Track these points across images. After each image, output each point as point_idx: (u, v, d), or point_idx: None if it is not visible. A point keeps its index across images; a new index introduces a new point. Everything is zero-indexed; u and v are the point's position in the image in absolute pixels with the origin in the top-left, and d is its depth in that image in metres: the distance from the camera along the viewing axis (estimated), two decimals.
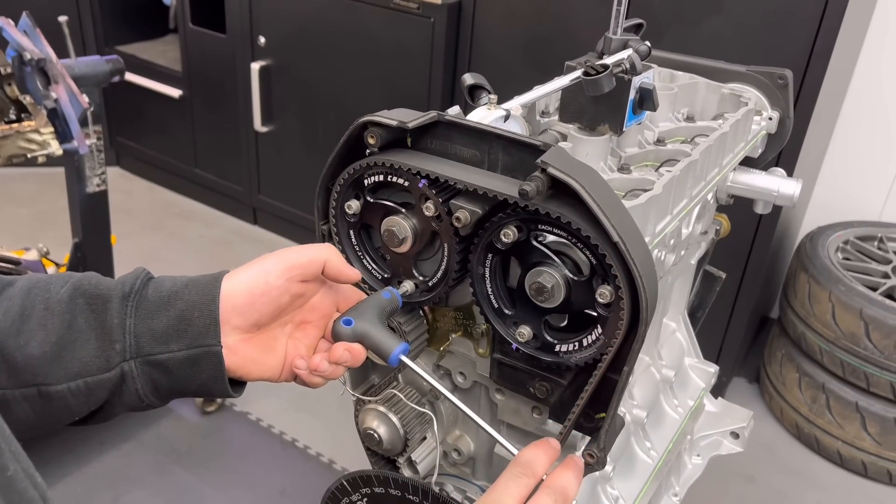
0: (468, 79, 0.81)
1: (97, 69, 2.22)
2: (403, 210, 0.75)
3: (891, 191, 2.59)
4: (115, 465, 2.21)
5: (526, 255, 0.70)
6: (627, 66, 0.81)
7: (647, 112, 0.89)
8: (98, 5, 3.36)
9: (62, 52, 2.17)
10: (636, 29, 0.93)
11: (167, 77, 3.31)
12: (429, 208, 0.72)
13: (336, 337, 0.69)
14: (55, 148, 2.07)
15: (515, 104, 0.80)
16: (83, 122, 2.16)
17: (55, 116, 2.10)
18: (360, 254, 0.80)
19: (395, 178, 0.74)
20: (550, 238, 0.69)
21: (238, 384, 0.70)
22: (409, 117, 0.71)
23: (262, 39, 2.93)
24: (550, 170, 0.63)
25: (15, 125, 2.00)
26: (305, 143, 3.00)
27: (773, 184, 1.07)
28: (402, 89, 2.68)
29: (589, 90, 0.81)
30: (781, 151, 2.07)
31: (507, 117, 0.77)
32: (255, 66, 2.94)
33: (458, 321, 0.82)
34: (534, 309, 0.72)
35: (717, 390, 2.55)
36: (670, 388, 1.14)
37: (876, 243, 2.43)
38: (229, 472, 2.24)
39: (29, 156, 2.05)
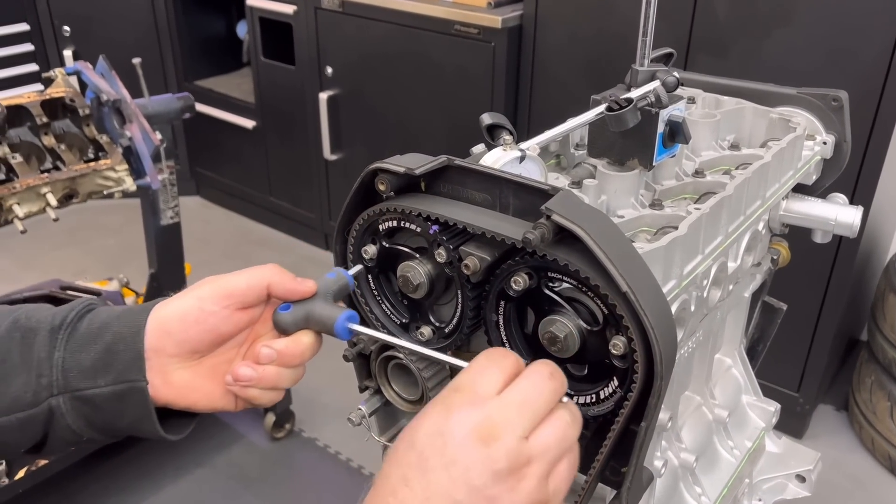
0: (486, 118, 0.79)
1: (169, 107, 2.31)
2: (418, 256, 0.74)
3: None
4: (189, 489, 2.27)
5: (539, 303, 0.68)
6: (653, 98, 0.77)
7: (683, 143, 0.85)
8: (178, 43, 3.52)
9: (137, 92, 2.28)
10: (666, 59, 0.89)
11: (241, 109, 3.42)
12: (440, 254, 0.71)
13: (278, 329, 0.66)
14: (129, 184, 2.16)
15: (532, 144, 0.77)
16: (156, 158, 2.26)
17: (130, 154, 2.19)
18: (378, 298, 0.79)
19: (407, 224, 0.72)
20: (564, 285, 0.66)
21: (184, 418, 0.68)
22: (418, 163, 0.70)
23: (329, 70, 2.99)
24: (555, 217, 0.61)
25: (92, 164, 2.10)
26: None
27: (830, 212, 1.01)
28: (464, 114, 2.68)
29: (613, 125, 0.78)
30: (860, 173, 1.96)
31: (522, 158, 0.75)
32: (324, 96, 3.00)
33: None
34: (550, 358, 0.69)
35: (800, 419, 2.42)
36: (724, 428, 1.08)
37: None
38: (298, 499, 2.27)
39: (105, 192, 2.14)
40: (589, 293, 0.63)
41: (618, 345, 0.62)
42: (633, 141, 0.82)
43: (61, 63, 3.51)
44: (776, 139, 0.97)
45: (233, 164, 3.64)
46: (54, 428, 0.62)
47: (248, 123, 3.41)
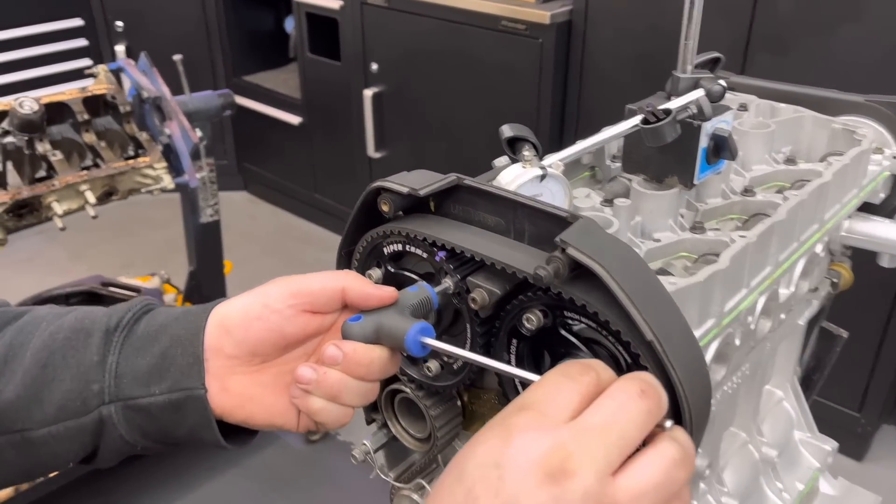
0: (506, 131, 0.71)
1: (209, 104, 2.29)
2: (425, 283, 0.67)
3: None
4: (222, 490, 2.25)
5: (555, 344, 0.60)
6: (695, 109, 0.69)
7: (730, 160, 0.76)
8: (227, 38, 3.51)
9: (178, 89, 2.27)
10: (712, 65, 0.80)
11: (288, 105, 3.40)
12: (447, 284, 0.63)
13: (346, 338, 0.58)
14: (167, 182, 2.14)
15: (555, 160, 0.69)
16: (195, 156, 2.23)
17: (169, 151, 2.18)
18: None
19: (412, 248, 0.65)
20: (583, 325, 0.58)
21: (245, 432, 0.61)
22: (424, 182, 0.63)
23: (374, 66, 2.94)
24: (570, 250, 0.53)
25: (131, 161, 2.09)
26: (416, 167, 2.97)
27: None
28: (510, 112, 2.60)
29: (649, 140, 0.70)
30: None
31: (543, 176, 0.67)
32: (368, 93, 2.95)
33: (494, 405, 0.72)
34: None
35: (862, 441, 2.27)
36: (773, 469, 0.98)
37: None
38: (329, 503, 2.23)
39: (143, 190, 2.13)
40: (610, 337, 0.55)
41: None
42: (673, 156, 0.73)
43: (113, 58, 3.54)
44: (838, 153, 0.86)
45: (279, 160, 3.63)
46: (106, 438, 0.57)
47: (294, 119, 3.38)
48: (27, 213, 1.97)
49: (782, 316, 0.87)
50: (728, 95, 0.93)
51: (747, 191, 0.81)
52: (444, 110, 2.80)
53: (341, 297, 0.58)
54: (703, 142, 0.71)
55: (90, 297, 2.37)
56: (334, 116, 3.22)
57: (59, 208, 1.99)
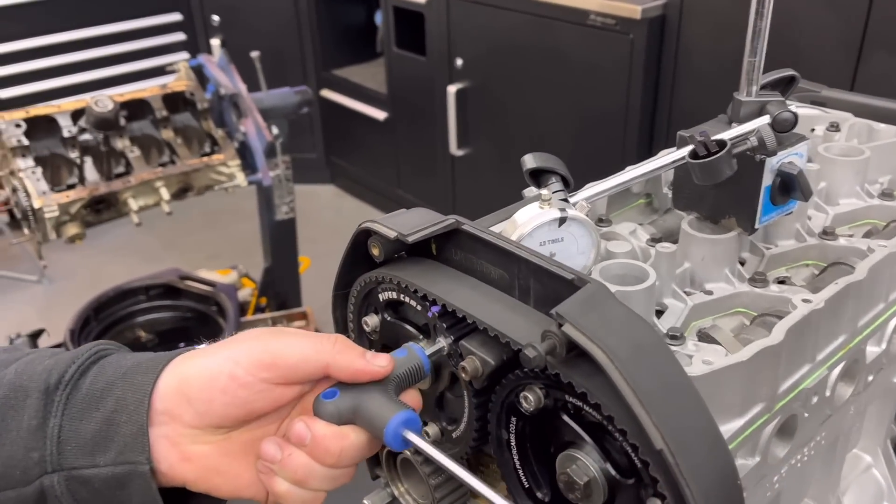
0: (529, 161, 0.61)
1: (285, 101, 2.27)
2: (422, 337, 0.58)
3: None
4: None
5: (558, 429, 0.50)
6: (755, 142, 0.56)
7: (801, 200, 0.63)
8: (318, 32, 3.51)
9: (272, 85, 2.26)
10: (784, 86, 0.66)
11: (374, 99, 3.37)
12: (441, 345, 0.54)
13: (318, 416, 0.50)
14: (241, 180, 2.14)
15: (580, 200, 0.59)
16: (270, 154, 2.22)
17: (245, 149, 2.17)
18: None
19: (405, 299, 0.57)
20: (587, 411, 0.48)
21: (210, 502, 0.54)
22: (415, 226, 0.54)
23: (458, 61, 2.86)
24: (567, 328, 0.43)
25: (205, 158, 2.09)
26: (498, 166, 2.88)
27: None
28: (597, 111, 2.46)
29: (698, 176, 0.58)
30: None
31: (562, 221, 0.57)
32: (452, 89, 2.88)
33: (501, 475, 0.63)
34: None
35: None
36: None
37: None
38: None
39: (217, 188, 2.13)
40: (617, 433, 0.45)
41: None
42: (731, 194, 0.61)
43: (209, 52, 3.61)
44: None
45: (364, 155, 3.61)
46: None
47: (380, 114, 3.35)
48: (104, 208, 2.01)
49: (870, 378, 0.73)
50: (815, 113, 0.79)
51: (827, 233, 0.68)
52: (529, 108, 2.68)
53: (323, 371, 0.50)
54: (767, 179, 0.59)
55: (168, 290, 2.41)
56: (418, 112, 3.16)
57: (134, 204, 2.01)
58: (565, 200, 0.59)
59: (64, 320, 2.46)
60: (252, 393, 0.50)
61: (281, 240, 2.44)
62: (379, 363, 0.51)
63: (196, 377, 0.51)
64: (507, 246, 0.51)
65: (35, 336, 2.33)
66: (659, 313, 0.63)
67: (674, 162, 0.60)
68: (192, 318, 2.41)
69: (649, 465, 0.42)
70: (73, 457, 0.50)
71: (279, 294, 2.53)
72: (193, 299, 2.41)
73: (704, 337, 0.58)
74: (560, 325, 0.44)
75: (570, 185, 0.62)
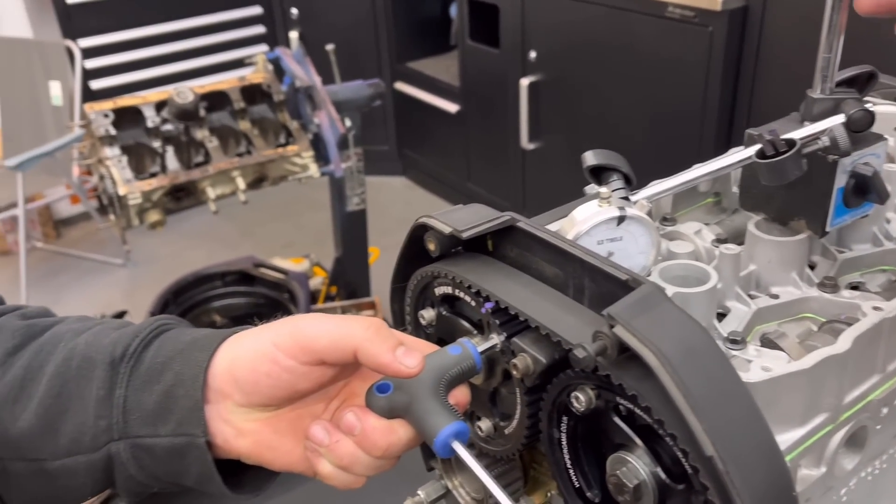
0: (589, 158, 0.60)
1: (358, 94, 2.30)
2: (476, 332, 0.58)
3: None
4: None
5: (609, 430, 0.49)
6: (827, 142, 0.54)
7: (878, 203, 0.60)
8: (393, 24, 3.55)
9: (348, 77, 2.30)
10: (863, 82, 0.63)
11: (446, 92, 3.39)
12: (494, 341, 0.55)
13: (370, 409, 0.51)
14: (314, 171, 2.18)
15: (641, 198, 0.58)
16: (343, 146, 2.26)
17: (318, 140, 2.21)
18: None
19: (460, 294, 0.57)
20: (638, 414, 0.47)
21: (264, 475, 0.56)
22: (470, 222, 0.54)
23: (532, 54, 2.84)
24: (619, 329, 0.42)
25: (280, 149, 2.14)
26: (569, 161, 2.85)
27: None
28: (673, 107, 2.40)
29: (765, 176, 0.56)
30: None
31: (621, 220, 0.56)
32: (525, 82, 2.86)
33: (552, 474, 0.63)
34: None
35: None
36: None
37: None
38: None
39: (290, 178, 2.18)
40: (668, 438, 0.44)
41: None
42: (801, 195, 0.59)
43: (287, 45, 3.69)
44: None
45: (436, 148, 3.63)
46: (118, 477, 0.54)
47: (452, 107, 3.36)
48: (184, 195, 2.08)
49: None
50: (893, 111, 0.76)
51: None
52: (603, 102, 2.64)
53: (353, 357, 0.51)
54: (840, 181, 0.57)
55: (243, 277, 2.48)
56: (490, 105, 3.15)
57: (212, 192, 2.08)
58: (626, 199, 0.58)
59: (145, 302, 2.57)
60: (294, 376, 0.51)
61: (352, 230, 2.48)
62: (407, 363, 0.50)
63: (242, 359, 0.52)
64: (563, 244, 0.50)
65: (118, 317, 2.43)
66: (721, 316, 0.61)
67: (741, 161, 0.59)
68: (265, 304, 2.48)
69: (699, 472, 0.41)
70: (136, 426, 0.53)
71: (349, 283, 2.57)
72: (267, 286, 2.48)
73: (768, 342, 0.56)
74: (612, 326, 0.43)
75: (633, 183, 0.61)
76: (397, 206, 3.76)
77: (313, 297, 2.54)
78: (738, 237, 0.70)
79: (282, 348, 0.51)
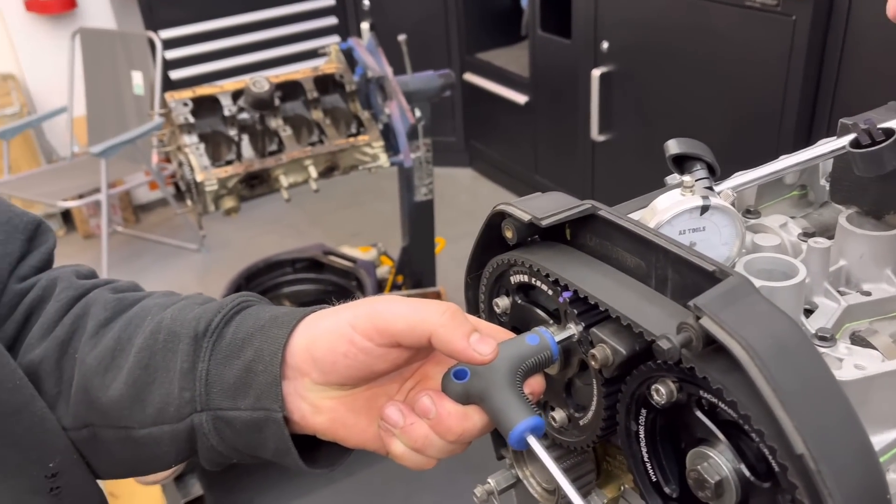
0: (672, 146, 0.59)
1: (429, 84, 2.31)
2: (552, 322, 0.58)
3: None
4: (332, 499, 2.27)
5: (690, 424, 0.48)
6: None
7: None
8: (464, 14, 3.54)
9: (419, 68, 2.32)
10: None
11: (516, 83, 3.37)
12: (571, 331, 0.54)
13: (445, 394, 0.51)
14: (384, 161, 2.20)
15: (727, 187, 0.56)
16: (412, 136, 2.27)
17: (388, 130, 2.23)
18: None
19: (537, 283, 0.57)
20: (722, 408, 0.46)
21: (338, 451, 0.57)
22: (549, 210, 0.53)
23: (604, 45, 2.79)
24: (705, 321, 0.41)
25: (351, 139, 2.17)
26: (640, 153, 2.80)
27: None
28: (751, 98, 2.33)
29: (859, 167, 0.54)
30: None
31: (705, 208, 0.54)
32: (596, 73, 2.82)
33: (628, 467, 0.62)
34: None
35: None
36: None
37: None
38: None
39: (360, 168, 2.21)
40: (754, 434, 0.43)
41: None
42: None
43: (359, 35, 3.73)
44: None
45: (503, 139, 3.61)
46: (200, 446, 0.57)
47: (521, 98, 3.34)
48: (258, 183, 2.13)
49: None
50: None
51: None
52: (677, 94, 2.58)
53: (427, 342, 0.51)
54: None
55: (312, 264, 2.53)
56: (560, 96, 3.12)
57: (285, 181, 2.12)
58: (710, 188, 0.57)
59: (219, 287, 2.65)
60: (371, 357, 0.52)
61: (419, 220, 2.49)
62: (481, 350, 0.49)
63: (321, 339, 0.53)
64: (646, 234, 0.49)
65: None
66: (808, 312, 0.59)
67: (833, 151, 0.56)
68: (333, 291, 2.52)
69: (787, 470, 0.40)
70: (218, 399, 0.54)
71: (415, 273, 2.59)
72: (335, 273, 2.52)
73: (858, 340, 0.54)
74: (698, 318, 0.42)
75: (717, 173, 0.59)
76: (463, 197, 3.76)
77: (380, 286, 2.57)
78: (825, 231, 0.67)
79: (359, 329, 0.51)
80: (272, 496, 2.24)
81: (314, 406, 0.54)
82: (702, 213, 0.55)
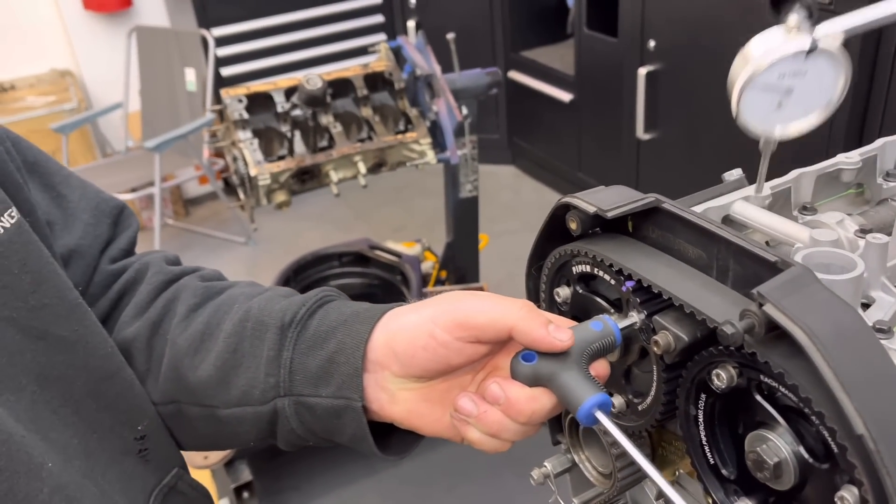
0: None
1: (477, 82, 2.33)
2: (613, 311, 0.60)
3: None
4: (455, 457, 2.33)
5: (750, 409, 0.50)
6: None
7: None
8: (509, 12, 3.56)
9: (465, 65, 2.35)
10: None
11: (560, 81, 3.38)
12: (633, 319, 0.56)
13: (514, 377, 0.54)
14: (431, 157, 2.23)
15: (837, 30, 0.54)
16: (459, 133, 2.30)
17: (435, 128, 2.27)
18: None
19: (600, 273, 0.59)
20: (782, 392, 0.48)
21: (409, 439, 0.61)
22: (614, 203, 0.56)
23: (651, 43, 2.79)
24: (768, 307, 0.44)
25: (399, 136, 2.21)
26: (687, 153, 2.79)
27: None
28: None
29: None
30: None
31: (811, 50, 0.53)
32: (643, 71, 2.82)
33: (684, 455, 0.64)
34: (757, 484, 0.52)
35: None
36: None
37: None
38: None
39: (408, 164, 2.25)
40: (814, 416, 0.45)
41: (847, 499, 0.44)
42: None
43: (405, 33, 3.77)
44: None
45: (546, 137, 3.62)
46: (280, 429, 0.61)
47: (566, 96, 3.35)
48: (308, 178, 2.18)
49: None
50: None
51: None
52: (723, 93, 2.56)
53: (508, 335, 0.54)
54: None
55: (358, 258, 2.57)
56: (605, 94, 3.12)
57: (334, 176, 2.17)
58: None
59: (267, 279, 2.71)
60: (449, 351, 0.55)
61: (463, 217, 2.52)
62: (560, 337, 0.52)
63: (402, 334, 0.56)
64: (709, 226, 0.52)
65: None
66: (865, 307, 0.61)
67: None
68: (379, 285, 2.57)
69: (847, 451, 0.42)
70: (300, 385, 0.58)
71: (459, 268, 2.62)
72: (380, 268, 2.56)
73: None
74: (761, 305, 0.44)
75: (814, 14, 0.57)
76: (506, 194, 3.78)
77: (424, 281, 2.60)
78: (883, 229, 0.69)
79: (440, 324, 0.54)
80: (317, 483, 2.30)
81: (392, 396, 0.57)
82: (807, 56, 0.52)
